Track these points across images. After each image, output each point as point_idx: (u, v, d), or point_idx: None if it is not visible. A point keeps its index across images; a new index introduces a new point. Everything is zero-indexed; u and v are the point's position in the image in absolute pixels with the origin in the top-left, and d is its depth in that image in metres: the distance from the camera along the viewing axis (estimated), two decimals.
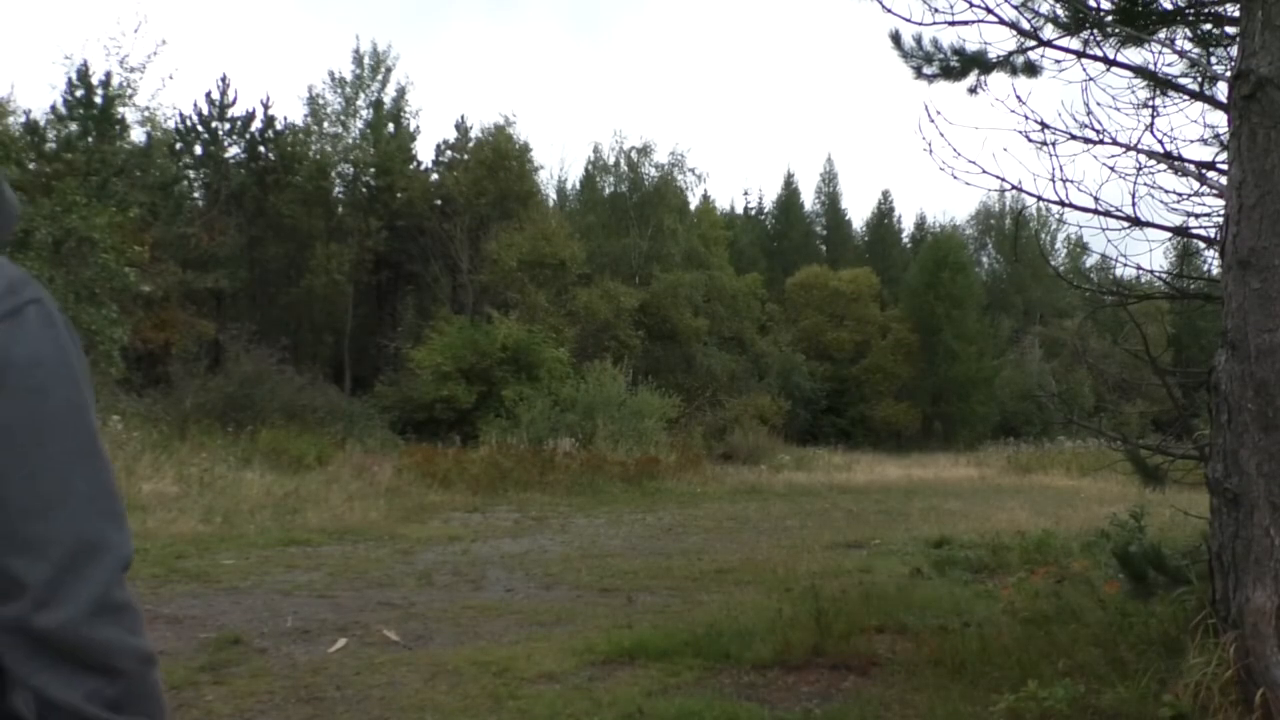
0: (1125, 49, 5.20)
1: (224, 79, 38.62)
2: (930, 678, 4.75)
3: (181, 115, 34.72)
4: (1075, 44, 5.24)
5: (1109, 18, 5.12)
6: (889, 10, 5.29)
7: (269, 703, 4.57)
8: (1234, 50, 4.48)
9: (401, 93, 37.23)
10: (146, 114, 28.44)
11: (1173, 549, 5.28)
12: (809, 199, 54.37)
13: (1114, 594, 5.47)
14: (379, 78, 36.67)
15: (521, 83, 70.88)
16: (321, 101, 36.07)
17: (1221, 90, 5.02)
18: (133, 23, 48.03)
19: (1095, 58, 5.19)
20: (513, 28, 74.76)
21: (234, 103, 35.70)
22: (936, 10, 5.22)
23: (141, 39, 56.22)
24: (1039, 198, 5.11)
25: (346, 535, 10.85)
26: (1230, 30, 5.11)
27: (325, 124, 36.13)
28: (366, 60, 36.51)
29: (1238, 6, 4.34)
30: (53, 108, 26.53)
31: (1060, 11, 5.16)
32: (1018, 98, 5.17)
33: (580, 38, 78.35)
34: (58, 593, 0.89)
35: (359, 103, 36.35)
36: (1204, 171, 5.28)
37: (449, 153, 38.62)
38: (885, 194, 69.23)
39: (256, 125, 35.94)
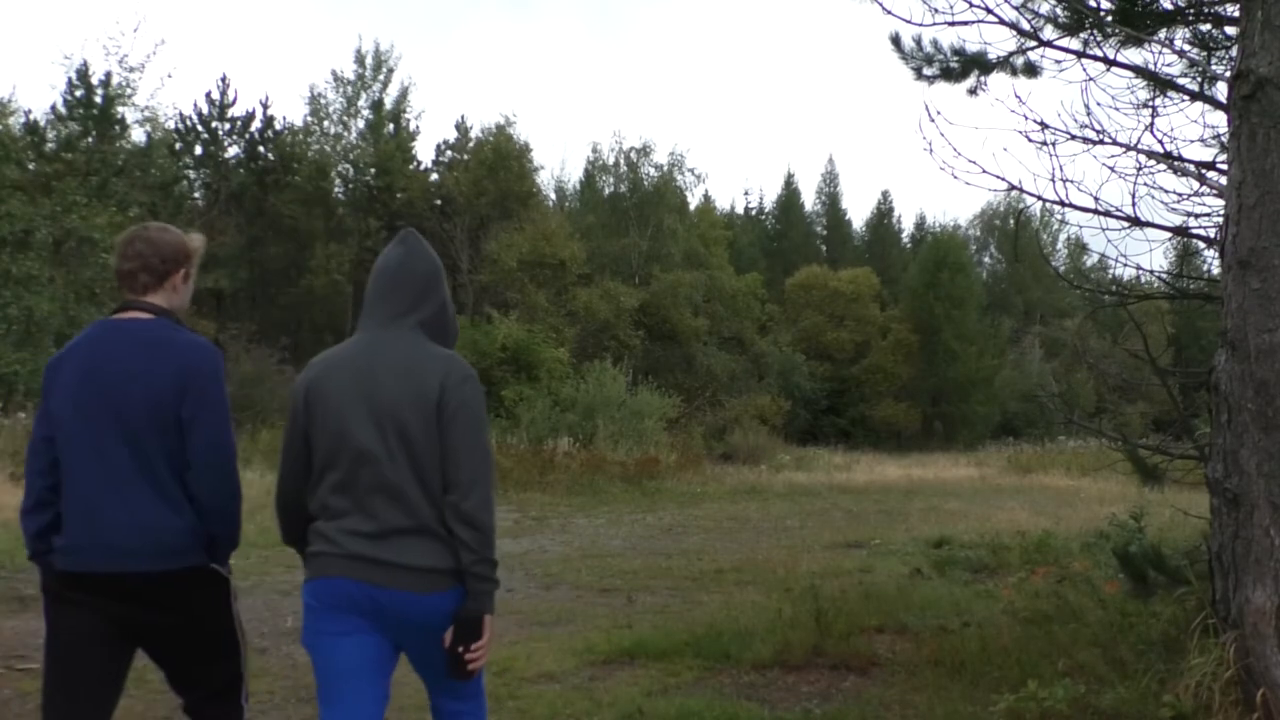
0: (1125, 49, 5.20)
1: (224, 79, 38.70)
2: (930, 678, 4.75)
3: (181, 115, 34.78)
4: (1075, 44, 5.25)
5: (1109, 19, 5.12)
6: (889, 11, 5.29)
7: (269, 703, 4.57)
8: (1234, 50, 4.48)
9: (404, 93, 37.27)
10: (146, 114, 28.47)
11: (1173, 549, 5.28)
12: (809, 199, 54.42)
13: (1114, 594, 5.47)
14: (380, 78, 36.69)
15: (521, 83, 70.96)
16: (323, 101, 36.13)
17: (1221, 90, 5.02)
18: (132, 22, 47.99)
19: (1095, 58, 5.19)
20: (513, 29, 74.83)
21: (234, 103, 35.75)
22: (936, 11, 5.22)
23: (141, 38, 56.32)
24: (1039, 198, 5.11)
25: None
26: (1230, 30, 5.11)
27: (326, 123, 36.18)
28: (369, 60, 36.54)
29: (1237, 6, 4.34)
30: (53, 108, 26.57)
31: (1060, 12, 5.16)
32: (1018, 98, 5.16)
33: (581, 38, 78.43)
34: (481, 501, 2.30)
35: (360, 103, 36.38)
36: (1204, 171, 5.27)
37: (449, 153, 38.65)
38: (885, 194, 69.29)
39: (256, 125, 35.98)
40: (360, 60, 36.56)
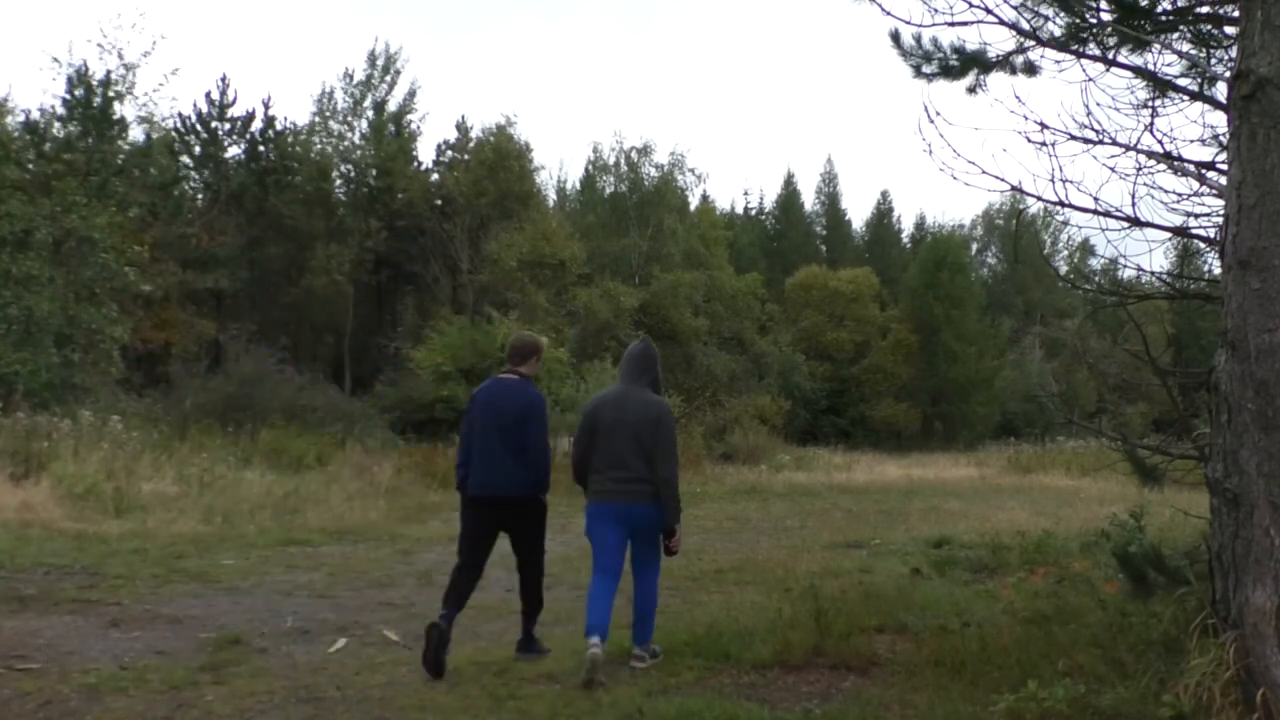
0: (1125, 51, 5.19)
1: (224, 79, 38.65)
2: (930, 678, 4.75)
3: (181, 116, 34.76)
4: (1075, 44, 5.24)
5: (1109, 30, 5.11)
6: (889, 13, 5.29)
7: (269, 703, 4.57)
8: (1234, 51, 4.48)
9: (411, 95, 37.39)
10: (144, 110, 28.43)
11: (1173, 549, 5.27)
12: (809, 199, 54.40)
13: (1114, 594, 5.47)
14: (388, 79, 36.81)
15: (521, 83, 70.93)
16: (330, 101, 36.23)
17: (1221, 90, 5.02)
18: (130, 19, 47.71)
19: (1095, 58, 5.19)
20: (511, 30, 74.82)
21: (234, 103, 35.75)
22: (936, 11, 5.22)
23: (139, 34, 56.11)
24: (1039, 198, 5.11)
25: (346, 535, 10.84)
26: (1230, 30, 5.10)
27: (332, 123, 36.25)
28: (379, 61, 36.65)
29: (1237, 7, 4.34)
30: (52, 108, 26.55)
31: (1057, 29, 5.16)
32: (1017, 98, 5.16)
33: (581, 39, 78.41)
34: (671, 471, 5.13)
35: (366, 103, 36.47)
36: (1204, 171, 5.27)
37: (449, 153, 38.63)
38: (885, 194, 69.28)
39: (257, 125, 35.97)
40: (372, 60, 36.66)
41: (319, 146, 36.05)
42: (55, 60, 29.89)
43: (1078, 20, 5.14)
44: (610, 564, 5.18)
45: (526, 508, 5.43)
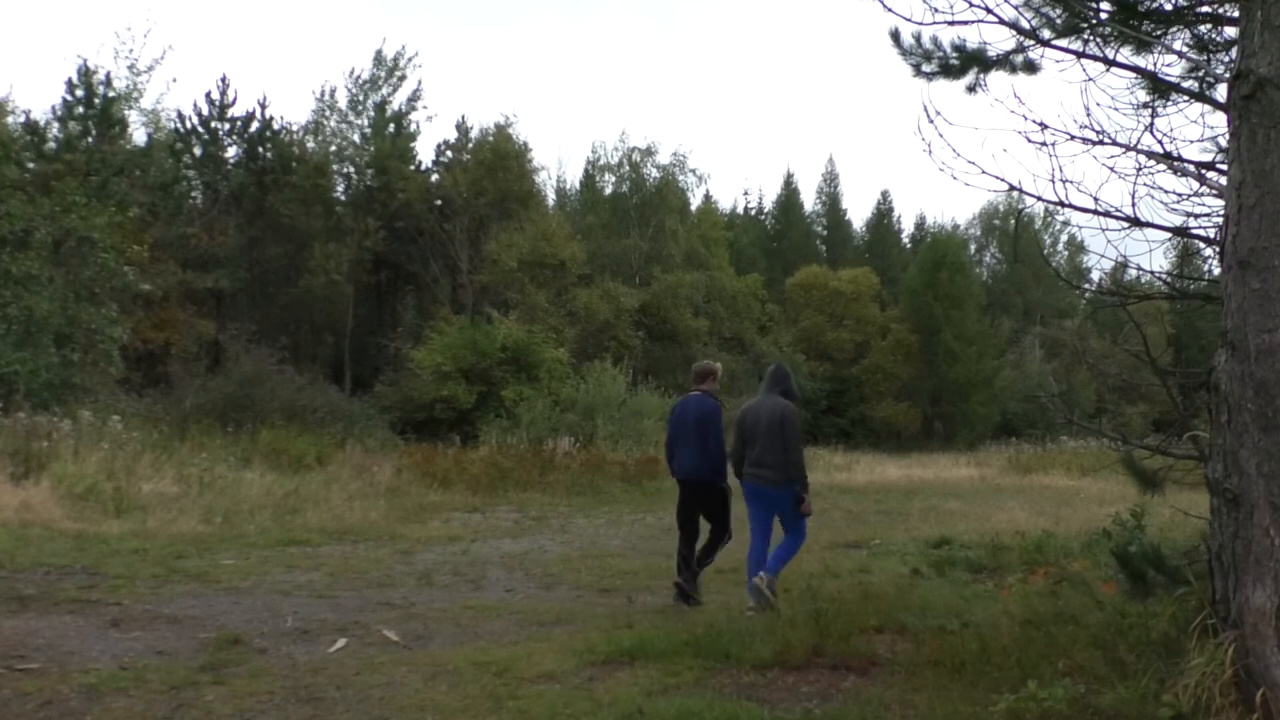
0: (1124, 48, 5.19)
1: (224, 79, 38.63)
2: (930, 678, 4.75)
3: (181, 116, 34.77)
4: (1075, 44, 5.24)
5: (1108, 28, 5.11)
6: (890, 10, 5.27)
7: (269, 703, 4.57)
8: (1233, 52, 4.47)
9: (416, 96, 37.47)
10: (149, 115, 28.47)
11: (1172, 549, 5.26)
12: (809, 199, 54.45)
13: (1113, 594, 5.47)
14: (393, 80, 36.87)
15: (519, 83, 70.92)
16: (328, 99, 36.24)
17: (1221, 91, 5.01)
18: (142, 27, 47.88)
19: (1095, 58, 5.19)
20: (512, 29, 74.81)
21: (234, 103, 35.75)
22: (937, 10, 5.21)
23: (149, 43, 56.14)
24: (1039, 198, 5.10)
25: (346, 535, 10.84)
26: (1230, 31, 5.10)
27: (334, 121, 36.29)
28: (387, 61, 36.70)
29: (1237, 7, 4.33)
30: (53, 108, 26.57)
31: (1059, 27, 5.15)
32: (1017, 98, 5.15)
33: (577, 39, 78.40)
34: (797, 455, 6.89)
35: (368, 103, 36.51)
36: (1204, 172, 5.27)
37: (449, 153, 38.64)
38: (885, 194, 69.28)
39: (256, 125, 35.97)
40: (379, 61, 36.67)
41: (313, 145, 36.09)
42: (80, 57, 29.92)
43: (1078, 19, 5.13)
44: (760, 529, 6.97)
45: (708, 489, 7.32)
